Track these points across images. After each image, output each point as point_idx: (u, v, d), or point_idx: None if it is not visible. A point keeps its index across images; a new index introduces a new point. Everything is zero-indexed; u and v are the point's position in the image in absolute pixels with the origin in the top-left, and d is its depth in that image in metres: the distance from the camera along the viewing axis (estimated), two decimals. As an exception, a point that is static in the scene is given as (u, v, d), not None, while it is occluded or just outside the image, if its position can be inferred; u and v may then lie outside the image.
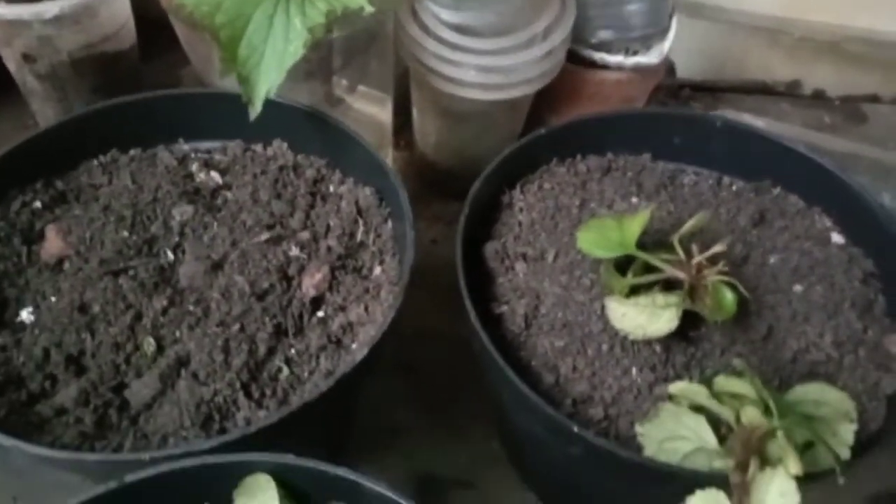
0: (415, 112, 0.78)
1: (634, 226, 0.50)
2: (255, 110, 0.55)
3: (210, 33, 0.54)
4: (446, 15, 0.65)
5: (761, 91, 0.95)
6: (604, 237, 0.50)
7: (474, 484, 0.64)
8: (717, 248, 0.50)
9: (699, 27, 0.91)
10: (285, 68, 0.54)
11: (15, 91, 0.77)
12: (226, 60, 0.55)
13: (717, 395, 0.42)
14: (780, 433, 0.38)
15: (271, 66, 0.55)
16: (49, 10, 0.65)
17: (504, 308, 0.54)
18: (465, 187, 0.58)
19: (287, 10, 0.55)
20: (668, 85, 0.93)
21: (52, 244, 0.55)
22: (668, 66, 0.92)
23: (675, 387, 0.43)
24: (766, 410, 0.40)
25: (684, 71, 0.96)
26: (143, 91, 0.62)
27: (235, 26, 0.55)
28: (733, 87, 0.95)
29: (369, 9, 0.55)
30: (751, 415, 0.38)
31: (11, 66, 0.72)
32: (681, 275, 0.48)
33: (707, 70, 0.96)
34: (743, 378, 0.42)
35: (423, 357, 0.70)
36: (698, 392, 0.42)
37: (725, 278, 0.48)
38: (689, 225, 0.51)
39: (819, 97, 0.94)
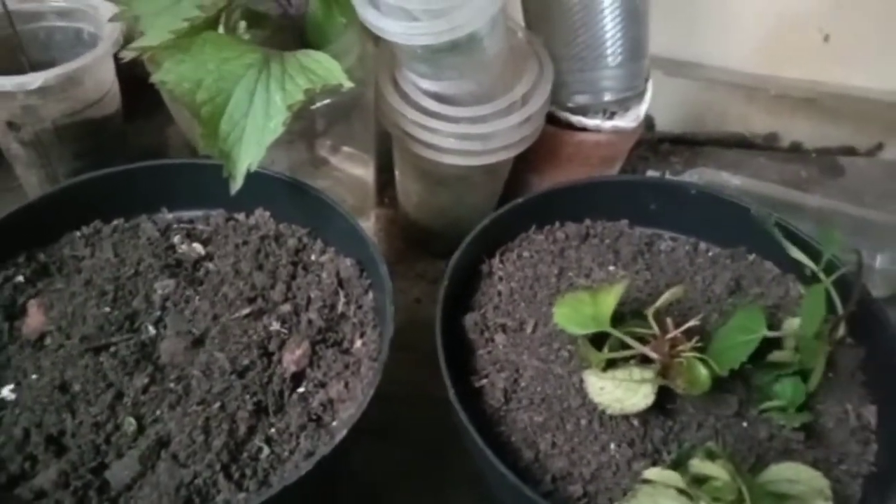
0: (397, 173, 0.79)
1: (609, 300, 0.51)
2: (237, 185, 0.55)
3: (190, 110, 0.55)
4: (426, 84, 0.66)
5: (739, 144, 0.96)
6: (579, 313, 0.51)
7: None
8: (692, 322, 0.50)
9: (677, 83, 0.92)
10: (266, 144, 0.55)
11: (-1, 154, 0.78)
12: (207, 136, 0.55)
13: (692, 478, 0.43)
14: (752, 523, 0.39)
15: (252, 141, 0.55)
16: (33, 81, 0.66)
17: (484, 382, 0.54)
18: (447, 247, 0.59)
19: (267, 86, 0.56)
20: (647, 139, 0.94)
21: (34, 320, 0.56)
22: (647, 121, 0.93)
23: (651, 473, 0.44)
24: (740, 495, 0.41)
25: (664, 124, 0.97)
26: (127, 154, 0.62)
27: (216, 103, 0.55)
28: (712, 140, 0.97)
29: (348, 85, 0.56)
30: (721, 512, 0.39)
31: (-5, 132, 0.73)
32: (653, 354, 0.49)
33: (686, 124, 0.97)
34: (717, 461, 0.43)
35: (407, 419, 0.70)
36: (673, 479, 0.42)
37: (699, 355, 0.49)
38: (664, 298, 0.52)
39: (796, 150, 0.96)
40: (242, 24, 0.61)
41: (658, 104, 0.81)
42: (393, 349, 0.52)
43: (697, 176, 0.81)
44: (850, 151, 0.96)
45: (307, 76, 0.56)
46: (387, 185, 0.86)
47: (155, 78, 0.54)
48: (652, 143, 0.95)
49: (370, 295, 0.59)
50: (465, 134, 0.67)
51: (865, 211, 0.82)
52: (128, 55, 0.61)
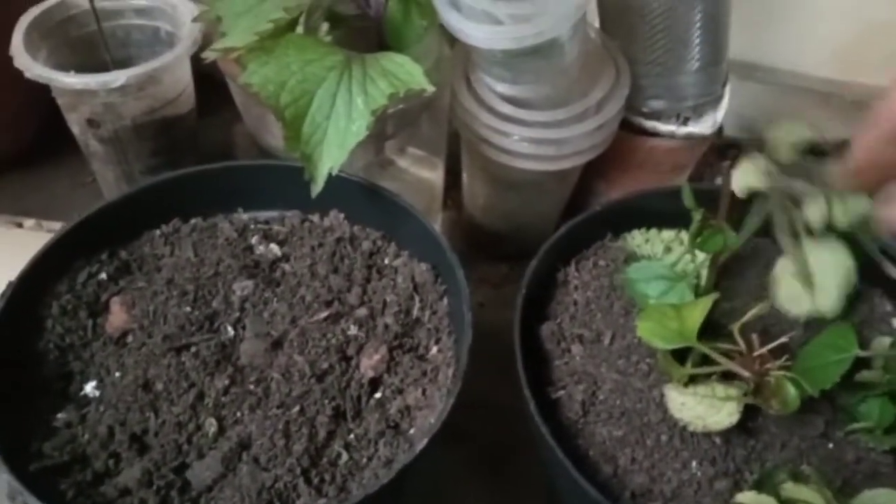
0: (464, 176, 0.79)
1: (695, 314, 0.50)
2: (318, 188, 0.56)
3: (275, 113, 0.55)
4: (501, 87, 0.66)
5: (810, 151, 0.94)
6: (663, 327, 0.50)
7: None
8: (782, 339, 0.49)
9: (747, 87, 0.90)
10: (349, 147, 0.55)
11: (72, 149, 0.79)
12: (290, 139, 0.55)
13: (784, 503, 0.42)
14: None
15: (334, 144, 0.55)
16: (116, 79, 0.67)
17: (561, 393, 0.54)
18: (512, 250, 0.58)
19: (350, 88, 0.56)
20: (714, 144, 0.93)
21: (117, 317, 0.57)
22: (716, 126, 0.91)
23: (745, 497, 0.43)
24: (836, 522, 0.40)
25: (732, 129, 0.95)
26: (199, 151, 0.63)
27: (299, 105, 0.55)
28: (782, 147, 0.94)
29: (431, 89, 0.56)
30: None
31: (75, 129, 0.74)
32: (744, 372, 0.48)
33: (754, 129, 0.95)
34: (811, 485, 0.42)
35: (471, 425, 0.70)
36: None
37: (789, 374, 0.48)
38: (751, 314, 0.51)
39: (870, 158, 0.93)
40: (325, 26, 0.61)
41: (728, 108, 0.79)
42: (471, 357, 0.52)
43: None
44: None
45: (389, 80, 0.56)
46: (450, 189, 0.86)
47: (242, 80, 0.55)
48: (719, 149, 0.93)
49: (445, 301, 0.58)
50: (538, 139, 0.66)
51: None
52: (211, 55, 0.62)
